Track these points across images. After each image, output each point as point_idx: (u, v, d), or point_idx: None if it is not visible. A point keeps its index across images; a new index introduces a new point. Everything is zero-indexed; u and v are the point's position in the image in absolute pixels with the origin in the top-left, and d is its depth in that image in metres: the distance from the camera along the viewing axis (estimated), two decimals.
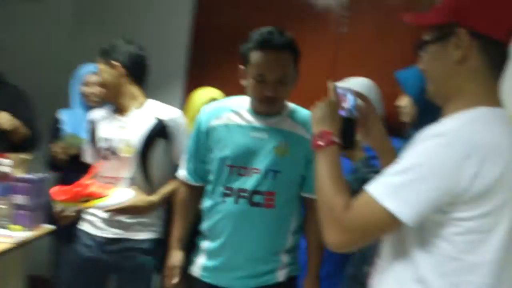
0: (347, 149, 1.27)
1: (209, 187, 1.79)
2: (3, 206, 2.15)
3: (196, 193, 1.87)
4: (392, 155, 1.24)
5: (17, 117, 2.57)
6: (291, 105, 1.79)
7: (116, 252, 2.05)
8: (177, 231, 1.90)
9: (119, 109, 2.11)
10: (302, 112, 1.78)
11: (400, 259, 1.09)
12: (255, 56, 1.65)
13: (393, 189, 1.01)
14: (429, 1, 1.76)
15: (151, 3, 3.28)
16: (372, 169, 1.79)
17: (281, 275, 1.77)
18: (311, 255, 1.82)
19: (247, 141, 1.72)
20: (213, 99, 2.31)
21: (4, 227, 2.13)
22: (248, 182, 1.70)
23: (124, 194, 1.97)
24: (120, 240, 2.05)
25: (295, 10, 3.08)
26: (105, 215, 2.02)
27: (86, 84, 2.55)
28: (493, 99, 1.08)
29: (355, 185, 1.56)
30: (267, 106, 1.70)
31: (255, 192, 1.70)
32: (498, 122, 1.04)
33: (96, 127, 2.14)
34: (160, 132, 2.05)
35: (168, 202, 2.08)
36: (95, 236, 2.07)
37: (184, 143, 2.05)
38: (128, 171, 2.04)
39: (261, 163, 1.70)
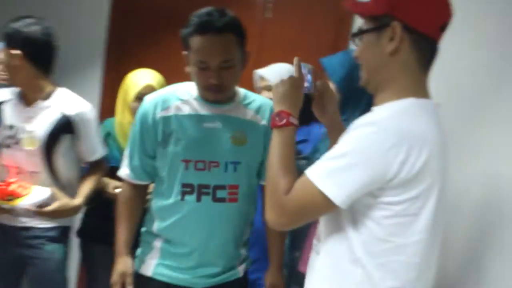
0: (302, 125, 1.29)
1: (161, 185, 1.65)
2: None
3: (141, 192, 1.75)
4: (342, 133, 1.28)
5: None
6: (243, 90, 1.68)
7: (24, 240, 1.96)
8: (123, 235, 1.71)
9: (24, 99, 1.97)
10: (255, 97, 1.69)
11: (336, 239, 1.14)
12: (195, 41, 1.49)
13: (328, 173, 1.07)
14: None
15: None
16: (298, 155, 1.82)
17: (241, 270, 1.72)
18: (273, 245, 1.75)
19: (200, 133, 1.58)
20: (149, 86, 2.09)
21: None
22: (208, 177, 1.58)
23: (41, 193, 1.89)
24: (27, 229, 1.95)
25: None
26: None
27: None
28: (421, 91, 1.14)
29: None
30: (214, 94, 1.56)
31: (217, 187, 1.59)
32: (425, 112, 1.10)
33: (2, 110, 1.98)
34: (65, 128, 1.93)
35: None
36: (4, 225, 1.97)
37: (94, 139, 1.97)
38: (31, 164, 1.93)
39: (219, 155, 1.59)
